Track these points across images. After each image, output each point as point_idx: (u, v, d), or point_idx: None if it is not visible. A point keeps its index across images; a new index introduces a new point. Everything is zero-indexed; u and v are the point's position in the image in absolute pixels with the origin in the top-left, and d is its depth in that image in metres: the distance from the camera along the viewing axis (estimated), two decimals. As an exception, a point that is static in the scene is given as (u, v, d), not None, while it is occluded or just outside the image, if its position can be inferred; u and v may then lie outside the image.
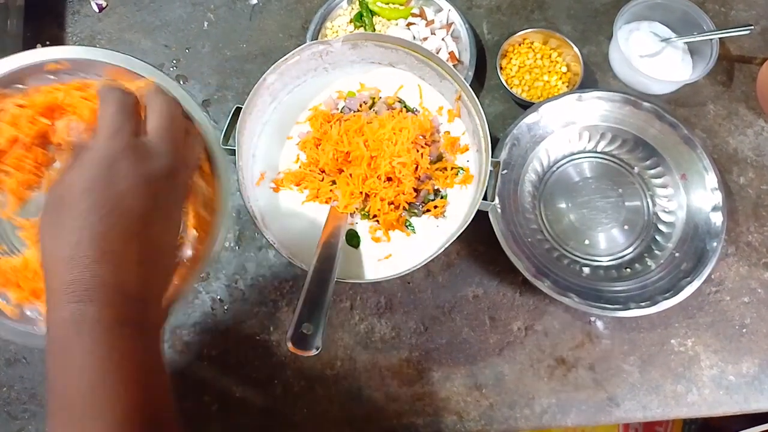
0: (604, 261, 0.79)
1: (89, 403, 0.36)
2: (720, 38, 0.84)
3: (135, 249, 0.39)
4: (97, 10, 0.93)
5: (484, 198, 0.67)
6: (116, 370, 0.37)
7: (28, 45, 0.89)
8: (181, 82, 0.88)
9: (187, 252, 0.53)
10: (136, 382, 0.38)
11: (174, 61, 0.90)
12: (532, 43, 0.88)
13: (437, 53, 0.82)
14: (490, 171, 0.67)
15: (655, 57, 0.87)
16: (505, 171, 0.77)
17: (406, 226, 0.71)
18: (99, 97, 0.44)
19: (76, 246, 0.37)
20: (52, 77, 0.51)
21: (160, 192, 0.42)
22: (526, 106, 0.82)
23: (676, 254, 0.76)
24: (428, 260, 0.64)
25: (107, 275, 0.37)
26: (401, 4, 0.90)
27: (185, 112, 0.49)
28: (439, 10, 0.89)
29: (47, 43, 0.91)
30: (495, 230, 0.73)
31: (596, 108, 0.81)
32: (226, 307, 0.78)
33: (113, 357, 0.37)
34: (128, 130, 0.42)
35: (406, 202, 0.70)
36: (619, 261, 0.79)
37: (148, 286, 0.41)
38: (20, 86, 0.51)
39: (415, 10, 0.89)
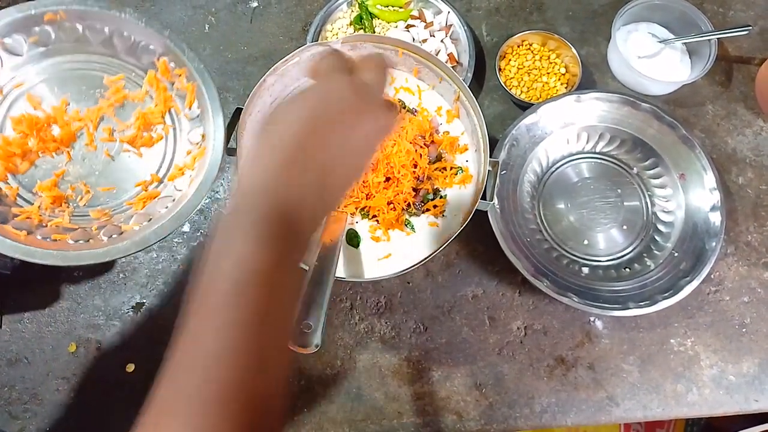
0: (604, 261, 0.79)
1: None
2: (718, 39, 0.84)
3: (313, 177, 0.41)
4: (99, 14, 0.94)
5: (483, 197, 0.67)
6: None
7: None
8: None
9: None
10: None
11: (175, 64, 0.91)
12: (530, 44, 0.89)
13: (436, 55, 0.83)
14: (489, 171, 0.68)
15: (653, 58, 0.87)
16: (504, 171, 0.78)
17: (406, 226, 0.71)
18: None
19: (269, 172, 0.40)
20: (48, 28, 0.57)
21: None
22: (525, 107, 0.82)
23: (675, 254, 0.76)
24: (428, 259, 0.64)
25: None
26: (400, 7, 0.90)
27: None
28: (438, 12, 0.90)
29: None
30: (494, 230, 0.73)
31: (595, 109, 0.81)
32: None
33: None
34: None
35: (406, 202, 0.70)
36: (619, 261, 0.79)
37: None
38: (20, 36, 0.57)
39: (415, 13, 0.90)
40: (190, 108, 0.62)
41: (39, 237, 0.55)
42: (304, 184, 0.41)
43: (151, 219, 0.58)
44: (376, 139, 0.45)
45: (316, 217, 0.43)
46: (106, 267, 0.79)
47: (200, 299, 0.37)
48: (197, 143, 0.60)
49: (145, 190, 0.60)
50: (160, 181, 0.61)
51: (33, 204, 0.57)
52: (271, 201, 0.39)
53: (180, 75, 0.61)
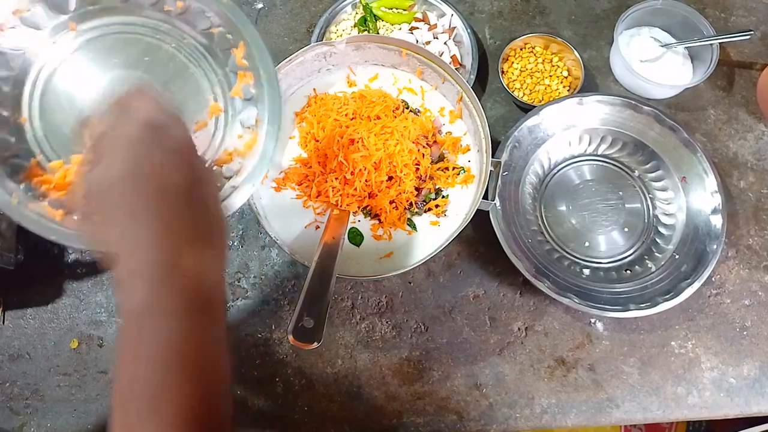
0: (605, 262, 0.79)
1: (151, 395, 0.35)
2: (720, 43, 0.85)
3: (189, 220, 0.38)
4: (106, 13, 0.95)
5: (485, 197, 0.68)
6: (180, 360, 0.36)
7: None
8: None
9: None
10: (196, 378, 0.37)
11: (180, 64, 0.91)
12: (533, 47, 0.89)
13: (440, 57, 0.83)
14: (491, 171, 0.68)
15: (655, 62, 0.88)
16: (506, 173, 0.78)
17: (408, 225, 0.71)
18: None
19: (133, 233, 0.37)
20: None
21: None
22: (527, 110, 0.83)
23: (676, 256, 0.76)
24: (429, 258, 0.65)
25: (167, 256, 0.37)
26: (404, 9, 0.91)
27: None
28: (442, 14, 0.90)
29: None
30: (496, 231, 0.73)
31: (597, 111, 0.82)
32: (228, 306, 0.78)
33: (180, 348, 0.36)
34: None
35: (408, 201, 0.71)
36: (620, 263, 0.79)
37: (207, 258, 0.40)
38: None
39: (418, 15, 0.90)
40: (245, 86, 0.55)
41: (76, 218, 0.50)
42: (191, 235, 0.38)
43: None
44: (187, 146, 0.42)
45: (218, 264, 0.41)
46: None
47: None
48: (250, 127, 0.54)
49: None
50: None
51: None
52: (179, 280, 0.37)
53: (237, 49, 0.54)
